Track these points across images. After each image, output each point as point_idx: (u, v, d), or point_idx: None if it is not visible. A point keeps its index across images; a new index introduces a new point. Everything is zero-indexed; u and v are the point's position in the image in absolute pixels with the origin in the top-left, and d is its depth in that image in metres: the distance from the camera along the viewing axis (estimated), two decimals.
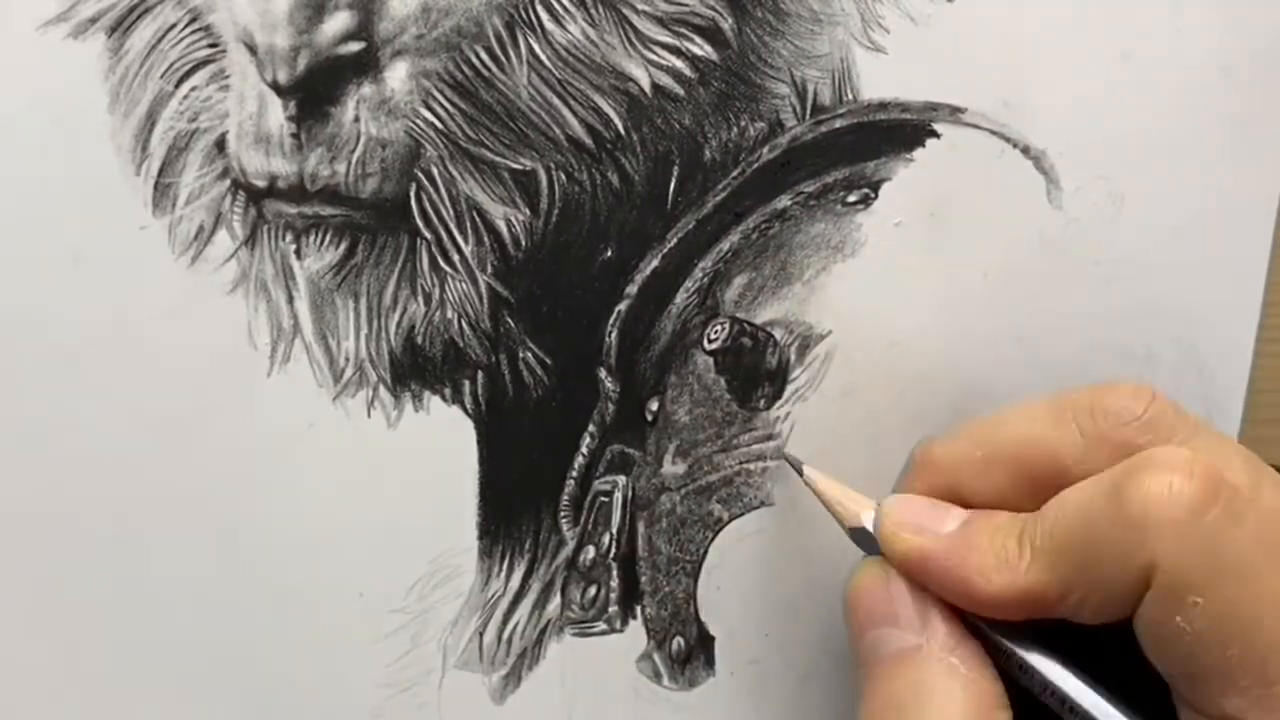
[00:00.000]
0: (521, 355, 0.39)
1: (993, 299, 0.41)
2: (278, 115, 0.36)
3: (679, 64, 0.38)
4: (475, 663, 0.40)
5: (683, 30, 0.37)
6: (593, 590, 0.41)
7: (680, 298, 0.39)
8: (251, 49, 0.35)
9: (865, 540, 0.36)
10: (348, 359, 0.38)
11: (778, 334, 0.40)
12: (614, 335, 0.39)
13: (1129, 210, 0.41)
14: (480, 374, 0.39)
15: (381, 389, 0.38)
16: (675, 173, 0.39)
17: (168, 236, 0.36)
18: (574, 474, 0.40)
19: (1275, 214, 0.42)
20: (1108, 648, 0.33)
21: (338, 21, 0.35)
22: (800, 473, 0.38)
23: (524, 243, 0.38)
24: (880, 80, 0.39)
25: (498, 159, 0.37)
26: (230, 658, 0.38)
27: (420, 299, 0.38)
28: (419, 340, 0.38)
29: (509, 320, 0.38)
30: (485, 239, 0.38)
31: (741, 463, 0.41)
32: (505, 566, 0.40)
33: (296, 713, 0.39)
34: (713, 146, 0.39)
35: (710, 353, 0.40)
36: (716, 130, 0.39)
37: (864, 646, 0.35)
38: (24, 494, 0.36)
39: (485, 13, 0.36)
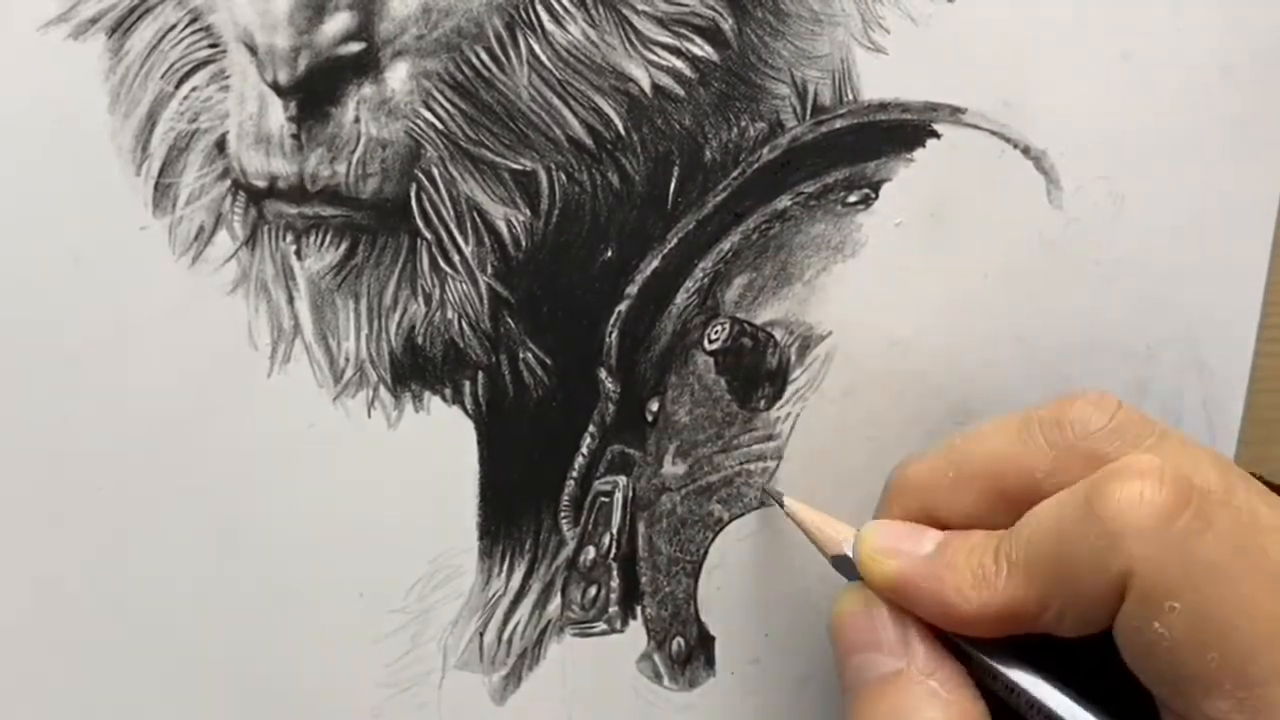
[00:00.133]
0: (522, 355, 0.39)
1: (993, 299, 0.41)
2: (278, 115, 0.36)
3: (679, 64, 0.38)
4: (475, 663, 0.40)
5: (683, 30, 0.37)
6: (593, 590, 0.41)
7: (680, 298, 0.39)
8: (252, 49, 0.35)
9: (847, 567, 0.36)
10: (348, 359, 0.38)
11: (778, 334, 0.40)
12: (614, 335, 0.39)
13: (1129, 210, 0.41)
14: (480, 374, 0.39)
15: (382, 389, 0.38)
16: (675, 173, 0.39)
17: (168, 237, 0.36)
18: (574, 474, 0.40)
19: (1275, 214, 0.42)
20: (1089, 662, 0.33)
21: (338, 22, 0.35)
22: (781, 505, 0.39)
23: (524, 243, 0.38)
24: (880, 80, 0.39)
25: (498, 159, 0.37)
26: (230, 657, 0.38)
27: (420, 299, 0.38)
28: (419, 340, 0.38)
29: (509, 320, 0.38)
30: (485, 239, 0.38)
31: (742, 463, 0.41)
32: (505, 567, 0.40)
33: (296, 713, 0.39)
34: (713, 147, 0.39)
35: (710, 353, 0.40)
36: (717, 130, 0.39)
37: (849, 672, 0.35)
38: (24, 494, 0.36)
39: (485, 13, 0.36)
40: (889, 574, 0.35)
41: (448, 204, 0.37)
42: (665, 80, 0.38)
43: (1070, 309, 0.41)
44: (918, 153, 0.40)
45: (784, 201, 0.39)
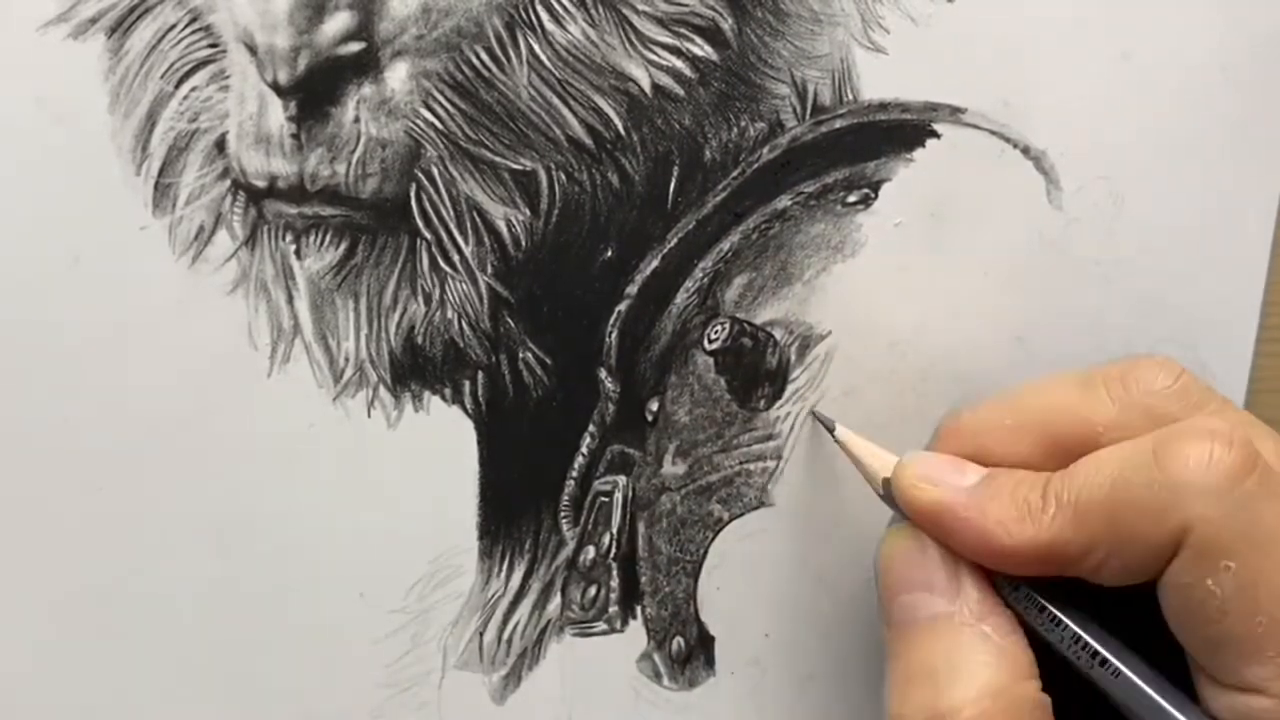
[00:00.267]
0: (521, 355, 0.39)
1: (993, 299, 0.41)
2: (278, 115, 0.36)
3: (679, 64, 0.38)
4: (475, 663, 0.40)
5: (683, 30, 0.37)
6: (593, 590, 0.41)
7: (680, 298, 0.39)
8: (251, 49, 0.35)
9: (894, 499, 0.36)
10: (348, 359, 0.38)
11: (778, 334, 0.40)
12: (614, 335, 0.39)
13: (1129, 210, 0.41)
14: (480, 374, 0.39)
15: (381, 389, 0.38)
16: (675, 173, 0.39)
17: (168, 236, 0.36)
18: (574, 474, 0.40)
19: (1275, 214, 0.42)
20: (1115, 617, 0.33)
21: (338, 22, 0.35)
22: (831, 431, 0.38)
23: (524, 243, 0.38)
24: (880, 80, 0.39)
25: (498, 159, 0.37)
26: (230, 658, 0.38)
27: (420, 299, 0.38)
28: (419, 340, 0.38)
29: (509, 320, 0.38)
30: (485, 239, 0.38)
31: (741, 463, 0.41)
32: (505, 567, 0.40)
33: (296, 713, 0.39)
34: (713, 147, 0.39)
35: (710, 353, 0.40)
36: (716, 130, 0.39)
37: (895, 610, 0.35)
38: (24, 494, 0.36)
39: (485, 13, 0.36)
40: (928, 501, 0.35)
41: (447, 204, 0.37)
42: (665, 80, 0.38)
43: (1070, 309, 0.41)
44: (917, 153, 0.40)
45: (784, 201, 0.39)
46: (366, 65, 0.36)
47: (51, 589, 0.37)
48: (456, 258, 0.38)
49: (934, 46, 0.39)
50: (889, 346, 0.40)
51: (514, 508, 0.40)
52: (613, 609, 0.41)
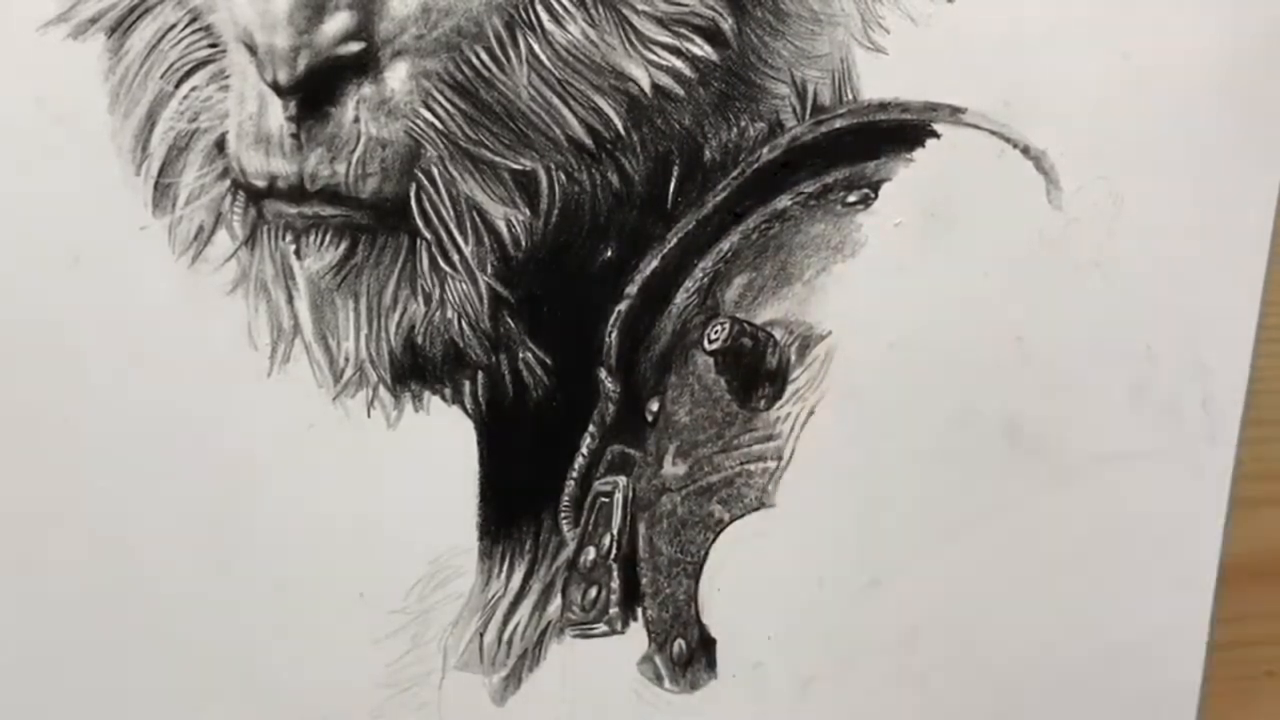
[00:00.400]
0: (521, 355, 0.39)
1: (993, 299, 0.41)
2: (278, 115, 0.36)
3: (679, 64, 0.38)
4: (475, 664, 0.40)
5: (683, 30, 0.37)
6: (593, 592, 0.40)
7: (680, 298, 0.39)
8: (251, 49, 0.35)
9: None
10: (348, 359, 0.38)
11: (778, 334, 0.40)
12: (614, 335, 0.39)
13: (1129, 210, 0.41)
14: (480, 374, 0.39)
15: (381, 389, 0.38)
16: (675, 173, 0.39)
17: (168, 236, 0.36)
18: (574, 474, 0.40)
19: (1275, 214, 0.42)
20: None
21: (338, 22, 0.35)
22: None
23: (524, 243, 0.38)
24: (880, 80, 0.39)
25: (498, 159, 0.37)
26: (230, 657, 0.38)
27: (420, 299, 0.38)
28: (419, 340, 0.38)
29: (509, 320, 0.38)
30: (485, 239, 0.38)
31: (742, 463, 0.40)
32: (505, 567, 0.40)
33: (297, 713, 0.39)
34: (713, 147, 0.39)
35: (710, 353, 0.40)
36: (716, 130, 0.39)
37: None
38: (24, 494, 0.36)
39: (485, 13, 0.36)
40: None
41: (447, 204, 0.37)
42: (665, 80, 0.38)
43: (1070, 309, 0.41)
44: (917, 153, 0.40)
45: (784, 201, 0.39)
46: (366, 65, 0.36)
47: (51, 589, 0.37)
48: (456, 258, 0.38)
49: (934, 46, 0.39)
50: (889, 346, 0.40)
51: (514, 508, 0.40)
52: (613, 610, 0.41)
